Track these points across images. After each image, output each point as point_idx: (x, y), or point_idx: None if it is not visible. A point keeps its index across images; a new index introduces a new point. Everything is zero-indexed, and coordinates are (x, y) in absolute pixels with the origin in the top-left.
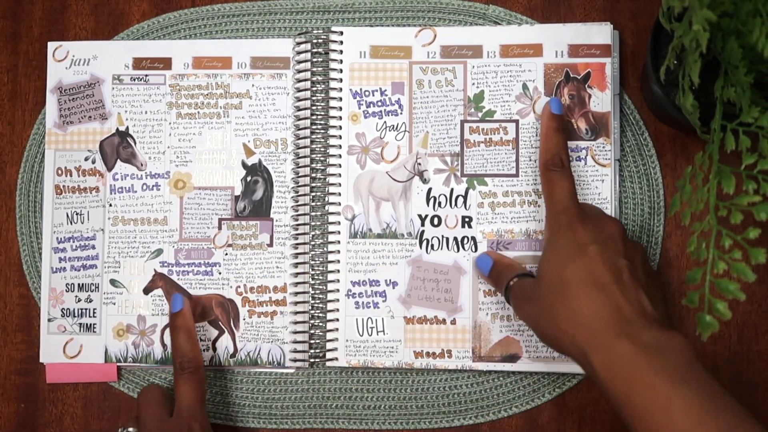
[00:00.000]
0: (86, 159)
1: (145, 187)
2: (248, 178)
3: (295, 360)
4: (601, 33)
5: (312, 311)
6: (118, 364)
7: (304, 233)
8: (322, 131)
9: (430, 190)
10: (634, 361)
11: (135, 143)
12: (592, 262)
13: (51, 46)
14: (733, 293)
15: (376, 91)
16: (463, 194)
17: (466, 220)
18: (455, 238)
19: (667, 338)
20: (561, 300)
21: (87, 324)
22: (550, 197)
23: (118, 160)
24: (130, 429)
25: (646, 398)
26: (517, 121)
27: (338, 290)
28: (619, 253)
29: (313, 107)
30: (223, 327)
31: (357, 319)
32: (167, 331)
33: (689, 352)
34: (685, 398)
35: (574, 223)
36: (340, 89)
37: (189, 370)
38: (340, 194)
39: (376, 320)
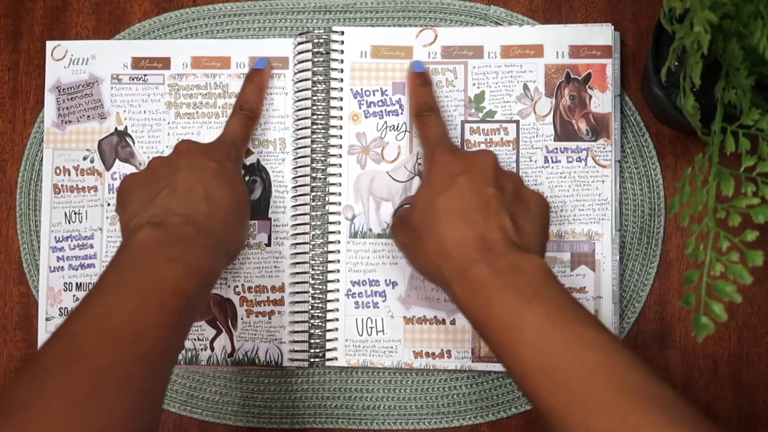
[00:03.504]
0: (85, 158)
1: None
2: (246, 178)
3: (294, 360)
4: (602, 34)
5: (312, 311)
6: None
7: (304, 233)
8: (323, 131)
9: None
10: (489, 284)
11: (134, 143)
12: (461, 192)
13: (49, 45)
14: (730, 295)
15: (377, 91)
16: None
17: None
18: None
19: (523, 259)
20: (430, 229)
21: None
22: (425, 137)
23: (117, 160)
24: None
25: (500, 318)
26: (517, 122)
27: (338, 290)
28: (488, 182)
29: (314, 107)
30: (220, 326)
31: (357, 319)
32: None
33: (543, 270)
34: (534, 313)
35: (446, 155)
36: (341, 89)
37: (246, 112)
38: (340, 194)
39: (375, 320)
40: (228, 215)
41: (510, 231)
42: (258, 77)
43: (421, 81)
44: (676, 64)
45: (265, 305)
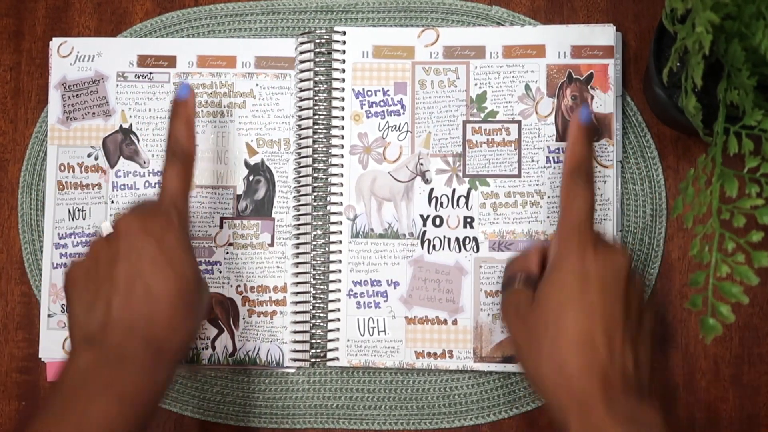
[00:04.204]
0: (89, 155)
1: (147, 184)
2: (250, 178)
3: (295, 359)
4: (603, 34)
5: (313, 311)
6: None
7: (306, 233)
8: (325, 131)
9: (432, 190)
10: (606, 430)
11: (138, 140)
12: (591, 311)
13: (55, 41)
14: (736, 296)
15: (379, 91)
16: (465, 195)
17: (468, 220)
18: (457, 239)
19: (642, 411)
20: (551, 344)
21: None
22: (568, 207)
23: (121, 157)
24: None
25: None
26: (519, 122)
27: (340, 290)
28: (620, 298)
29: (316, 107)
30: (222, 326)
31: (358, 319)
32: None
33: (660, 427)
34: None
35: (585, 246)
36: (343, 89)
37: (180, 158)
38: (342, 194)
39: (377, 320)
40: (173, 308)
41: (630, 372)
42: (184, 110)
43: (584, 135)
44: (678, 64)
45: (267, 305)
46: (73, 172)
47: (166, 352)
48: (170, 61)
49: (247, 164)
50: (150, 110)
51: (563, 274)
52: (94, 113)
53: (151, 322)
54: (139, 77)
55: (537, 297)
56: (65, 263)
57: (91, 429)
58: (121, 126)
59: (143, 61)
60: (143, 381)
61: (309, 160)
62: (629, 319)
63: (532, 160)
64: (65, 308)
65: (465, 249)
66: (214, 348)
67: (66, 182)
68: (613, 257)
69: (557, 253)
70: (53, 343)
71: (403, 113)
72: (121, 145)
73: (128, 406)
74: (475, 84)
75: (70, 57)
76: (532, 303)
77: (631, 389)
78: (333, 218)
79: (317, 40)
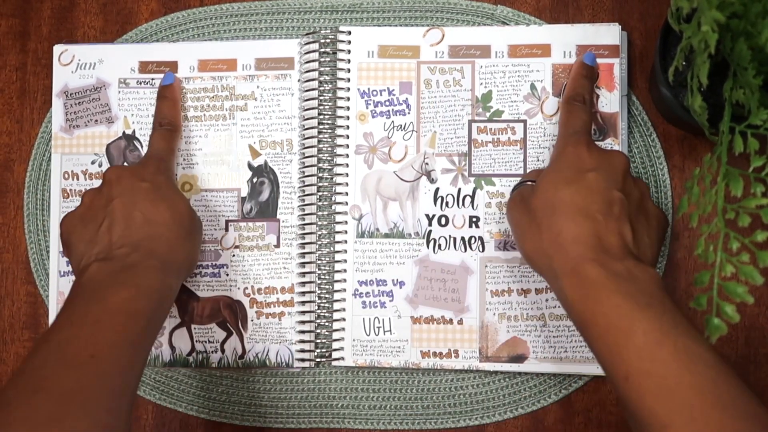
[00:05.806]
0: (93, 162)
1: None
2: (254, 180)
3: (301, 360)
4: (609, 33)
5: (318, 311)
6: None
7: (311, 233)
8: (330, 131)
9: (437, 189)
10: (602, 284)
11: (142, 146)
12: (588, 188)
13: (57, 50)
14: (741, 296)
15: (384, 90)
16: (471, 194)
17: (474, 220)
18: (462, 238)
19: (638, 268)
20: (549, 219)
21: None
22: (565, 124)
23: (125, 164)
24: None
25: (610, 318)
26: (525, 121)
27: (345, 290)
28: (617, 185)
29: (321, 107)
30: (231, 328)
31: (364, 319)
32: (175, 334)
33: (657, 282)
34: (647, 320)
35: (581, 147)
36: (348, 89)
37: (166, 127)
38: (347, 194)
39: (383, 320)
40: (170, 232)
41: (628, 239)
42: (169, 92)
43: (586, 73)
44: (684, 63)
45: (274, 306)
46: (78, 179)
47: (171, 265)
48: (172, 67)
49: (250, 166)
50: (152, 116)
51: (560, 165)
52: (96, 120)
53: (152, 240)
54: (141, 83)
55: (537, 185)
56: (72, 271)
57: (118, 311)
58: (124, 132)
59: (145, 67)
60: (153, 278)
61: (314, 160)
62: (628, 200)
63: (538, 160)
64: (64, 254)
65: (471, 248)
66: (223, 351)
67: (70, 190)
68: (610, 156)
69: (554, 155)
70: None
71: (409, 113)
72: (124, 151)
73: (146, 295)
74: (481, 83)
75: (72, 65)
76: (532, 192)
77: (628, 254)
78: (338, 218)
79: (322, 40)
